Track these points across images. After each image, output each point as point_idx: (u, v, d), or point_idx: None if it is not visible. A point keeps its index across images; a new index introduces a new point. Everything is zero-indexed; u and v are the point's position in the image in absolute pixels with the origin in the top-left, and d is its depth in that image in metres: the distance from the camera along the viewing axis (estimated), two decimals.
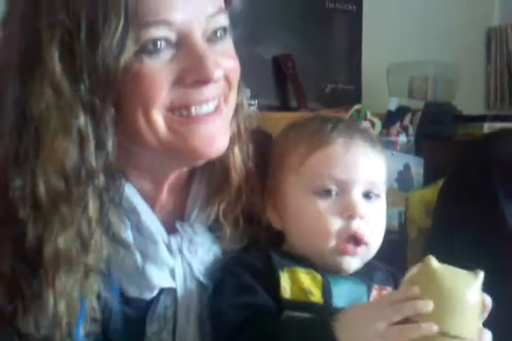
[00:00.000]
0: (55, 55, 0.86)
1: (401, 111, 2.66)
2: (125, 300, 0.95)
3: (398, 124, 2.64)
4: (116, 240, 0.93)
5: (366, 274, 0.99)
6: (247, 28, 2.69)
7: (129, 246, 0.94)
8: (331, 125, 1.01)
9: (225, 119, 0.96)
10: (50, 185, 0.87)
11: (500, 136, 1.40)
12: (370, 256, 1.00)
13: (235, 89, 0.97)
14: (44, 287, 0.88)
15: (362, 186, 0.98)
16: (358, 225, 0.96)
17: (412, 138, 2.62)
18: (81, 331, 0.91)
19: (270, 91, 2.85)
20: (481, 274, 0.86)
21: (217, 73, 0.91)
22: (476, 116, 2.78)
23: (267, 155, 1.04)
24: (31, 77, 0.87)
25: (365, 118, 2.61)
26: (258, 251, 0.98)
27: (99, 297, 0.92)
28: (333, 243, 0.96)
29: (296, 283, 0.94)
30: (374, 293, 0.97)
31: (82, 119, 0.87)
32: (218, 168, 1.00)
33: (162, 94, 0.89)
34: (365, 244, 0.97)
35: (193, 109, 0.92)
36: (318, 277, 0.95)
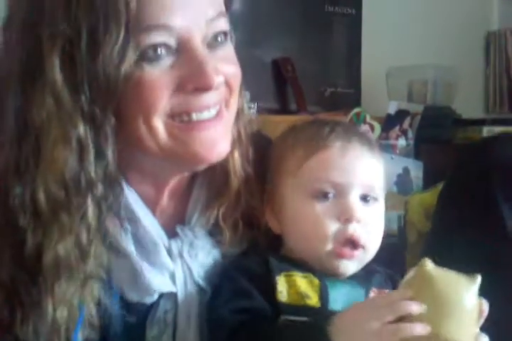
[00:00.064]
0: (56, 64, 0.86)
1: (400, 115, 2.66)
2: (125, 304, 0.95)
3: (397, 128, 2.64)
4: (116, 246, 0.93)
5: (364, 277, 0.99)
6: (246, 31, 2.70)
7: (129, 251, 0.94)
8: (328, 128, 1.01)
9: (227, 125, 0.96)
10: (50, 194, 0.87)
11: (499, 140, 1.40)
12: (367, 260, 1.00)
13: (236, 94, 0.97)
14: (43, 294, 0.88)
15: (359, 189, 0.98)
16: (354, 228, 0.96)
17: (411, 142, 2.62)
18: (79, 337, 0.92)
19: (270, 94, 2.86)
20: (478, 278, 0.86)
21: (218, 80, 0.90)
22: (475, 119, 2.78)
23: (266, 158, 1.04)
24: (32, 86, 0.88)
25: (365, 122, 2.61)
26: (256, 256, 0.98)
27: (98, 303, 0.92)
28: (329, 246, 0.96)
29: (293, 287, 0.94)
30: (372, 296, 0.97)
31: (82, 129, 0.87)
32: (219, 172, 1.00)
33: (163, 101, 0.89)
34: (362, 247, 0.97)
35: (193, 115, 0.92)
36: (316, 281, 0.95)
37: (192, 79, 0.89)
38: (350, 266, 0.98)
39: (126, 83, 0.87)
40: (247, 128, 1.04)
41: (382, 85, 2.90)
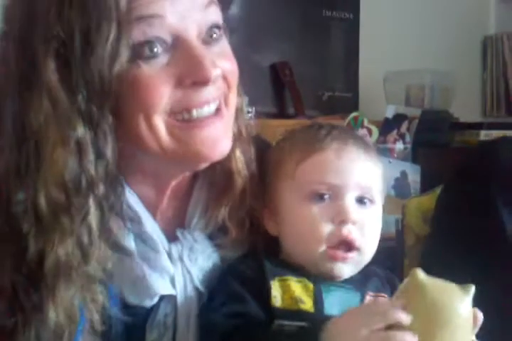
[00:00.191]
0: (52, 67, 0.87)
1: (398, 119, 2.67)
2: (125, 307, 0.95)
3: (395, 132, 2.64)
4: (118, 248, 0.93)
5: (361, 281, 0.99)
6: (244, 35, 2.70)
7: (130, 254, 0.94)
8: (325, 131, 1.01)
9: (227, 122, 0.96)
10: (51, 198, 0.87)
11: (498, 144, 1.41)
12: (364, 263, 0.99)
13: (234, 90, 0.97)
14: (45, 299, 0.88)
15: (355, 191, 0.98)
16: (349, 230, 0.96)
17: (409, 146, 2.62)
18: (80, 340, 0.92)
19: (268, 98, 2.86)
20: (472, 288, 0.85)
21: (215, 72, 0.90)
22: (473, 123, 2.79)
23: (264, 162, 1.04)
24: (29, 90, 0.88)
25: (362, 126, 2.62)
26: (253, 260, 0.98)
27: (99, 306, 0.92)
28: (323, 248, 0.96)
29: (287, 291, 0.94)
30: (368, 300, 0.97)
31: (80, 130, 0.87)
32: (220, 172, 1.00)
33: (162, 99, 0.89)
34: (357, 249, 0.97)
35: (194, 112, 0.91)
36: (310, 285, 0.95)
37: (190, 74, 0.89)
38: (345, 269, 0.97)
39: (122, 81, 0.87)
40: (248, 127, 1.04)
41: (380, 89, 2.91)
